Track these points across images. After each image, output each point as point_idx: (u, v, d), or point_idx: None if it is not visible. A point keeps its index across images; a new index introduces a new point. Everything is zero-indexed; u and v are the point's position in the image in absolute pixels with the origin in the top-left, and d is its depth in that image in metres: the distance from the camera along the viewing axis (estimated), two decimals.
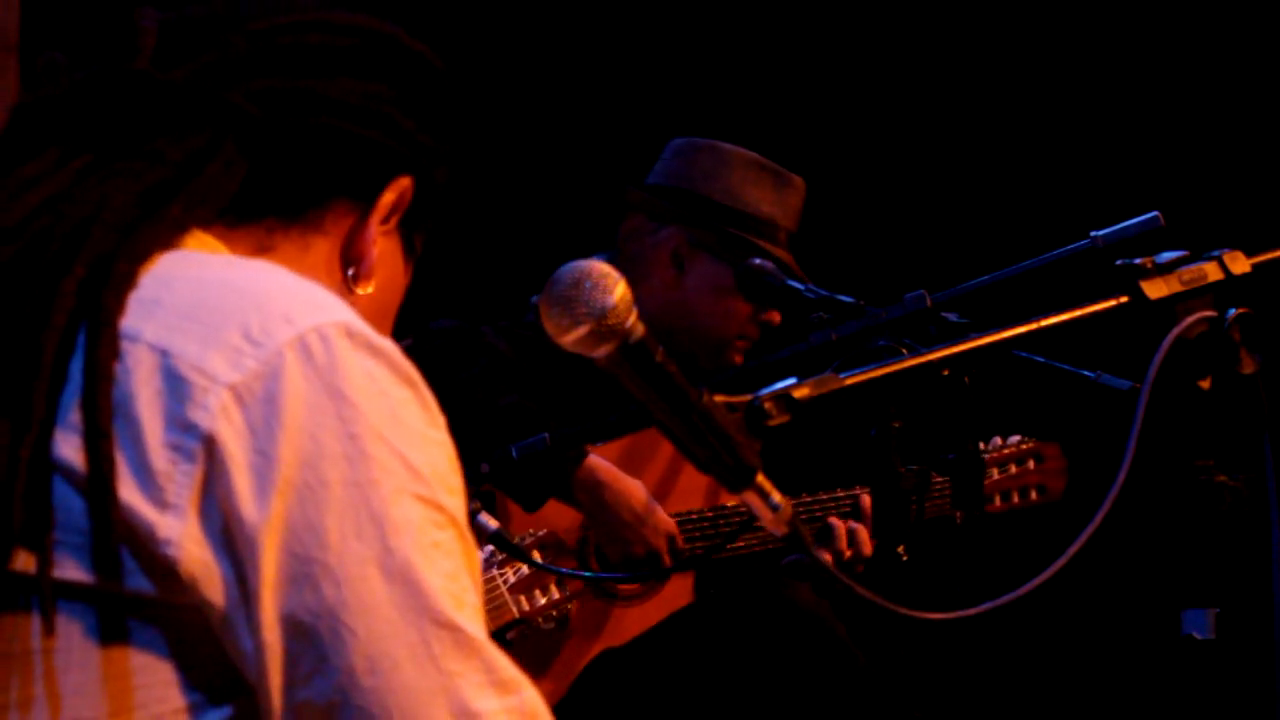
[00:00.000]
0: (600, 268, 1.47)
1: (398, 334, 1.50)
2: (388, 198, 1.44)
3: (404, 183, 1.45)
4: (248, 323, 1.23)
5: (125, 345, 1.23)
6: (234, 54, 1.38)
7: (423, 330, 3.66)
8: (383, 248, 1.45)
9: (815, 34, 5.09)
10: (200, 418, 1.20)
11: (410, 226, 1.49)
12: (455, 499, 1.24)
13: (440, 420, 1.26)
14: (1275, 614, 1.82)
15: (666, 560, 3.69)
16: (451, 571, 1.21)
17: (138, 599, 1.20)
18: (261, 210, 1.39)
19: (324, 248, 1.42)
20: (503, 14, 4.85)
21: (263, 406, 1.20)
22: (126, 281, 1.25)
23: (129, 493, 1.19)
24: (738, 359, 3.87)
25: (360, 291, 1.44)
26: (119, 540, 1.19)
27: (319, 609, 1.19)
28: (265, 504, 1.19)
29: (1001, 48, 5.04)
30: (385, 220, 1.45)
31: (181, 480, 1.20)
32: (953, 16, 5.06)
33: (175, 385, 1.21)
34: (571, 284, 1.46)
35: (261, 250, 1.39)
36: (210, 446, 1.20)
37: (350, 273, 1.44)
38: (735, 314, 3.84)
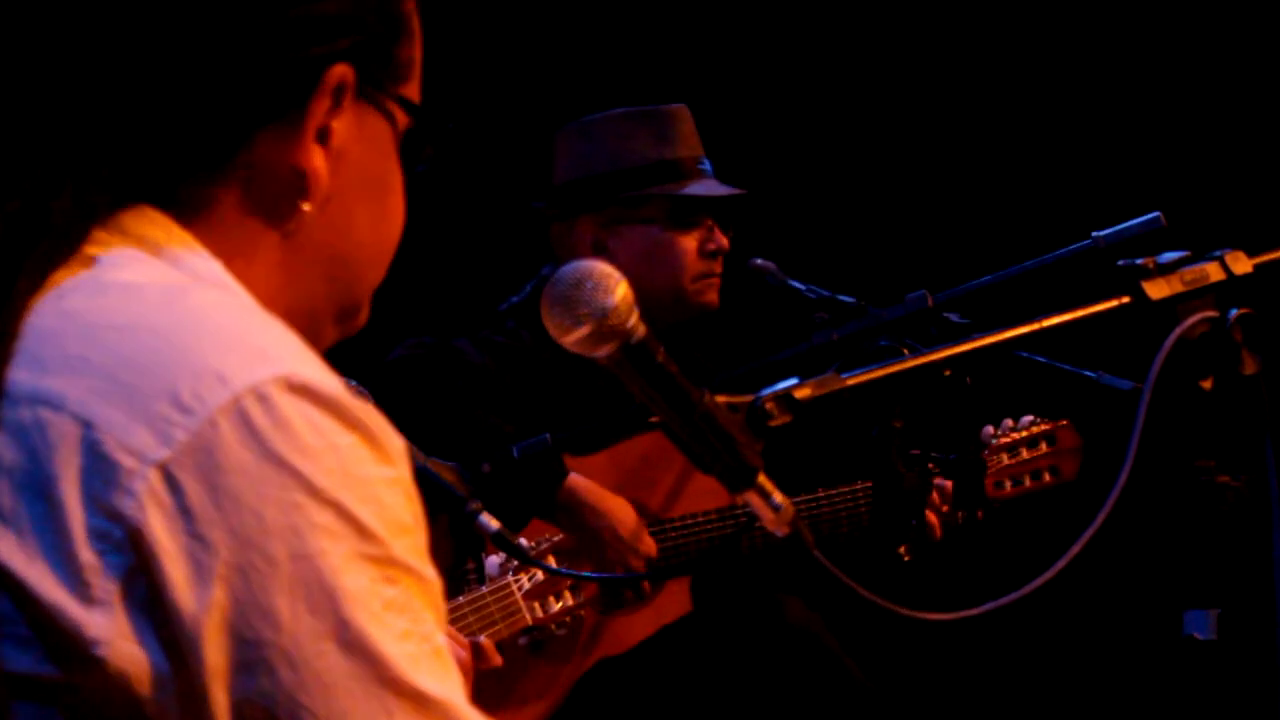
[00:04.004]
0: (601, 268, 1.47)
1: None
2: (321, 104, 1.27)
3: (337, 74, 1.28)
4: (177, 386, 1.13)
5: (47, 414, 1.13)
6: (75, 20, 1.22)
7: (396, 353, 3.64)
8: (344, 134, 1.30)
9: (816, 34, 5.09)
10: (127, 506, 1.11)
11: (375, 90, 1.31)
12: (407, 538, 1.17)
13: (392, 448, 1.18)
14: (1277, 615, 1.82)
15: (646, 584, 3.69)
16: (406, 629, 1.15)
17: (34, 681, 1.12)
18: (174, 186, 1.25)
19: (262, 185, 1.27)
20: (462, 25, 4.85)
21: (197, 485, 1.11)
22: None
23: (51, 588, 1.11)
24: (711, 297, 3.82)
25: (307, 208, 1.28)
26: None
27: (276, 693, 1.12)
28: (205, 592, 1.11)
29: (1001, 48, 5.04)
30: (326, 120, 1.29)
31: (109, 573, 1.11)
32: (953, 16, 5.06)
33: (100, 465, 1.12)
34: (573, 284, 1.46)
35: (197, 222, 1.26)
36: (138, 537, 1.11)
37: (290, 200, 1.28)
38: (680, 263, 3.79)
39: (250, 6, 1.25)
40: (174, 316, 1.18)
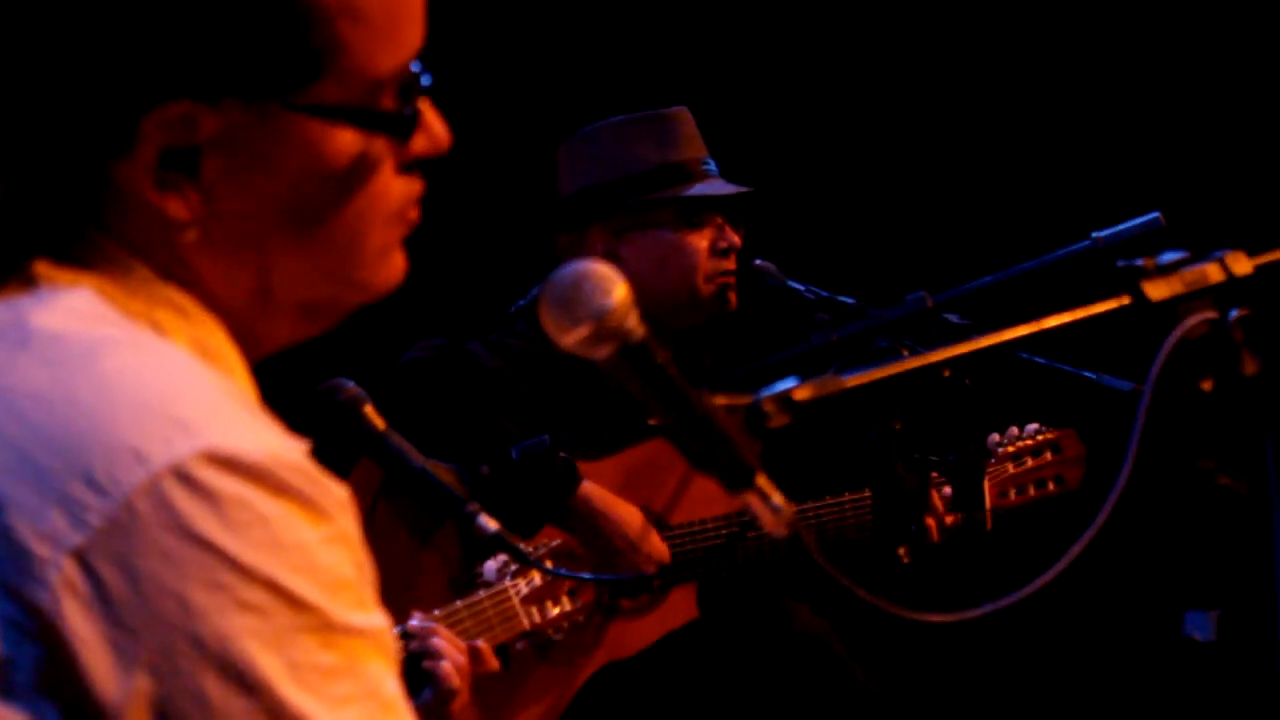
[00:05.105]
0: (600, 269, 1.46)
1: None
2: (154, 137, 1.19)
3: (168, 111, 1.19)
4: (92, 466, 1.09)
5: None
6: None
7: (409, 356, 3.64)
8: (230, 155, 1.21)
9: (816, 34, 5.08)
10: (40, 597, 1.07)
11: (264, 101, 1.20)
12: (348, 594, 1.13)
13: (328, 502, 1.14)
14: (1277, 616, 1.81)
15: (655, 582, 3.69)
16: (347, 694, 1.12)
17: None
18: (57, 230, 1.20)
19: (135, 216, 1.21)
20: (468, 27, 4.84)
21: (115, 572, 1.07)
22: None
23: None
24: (728, 298, 3.82)
25: (187, 238, 1.21)
26: None
27: None
28: (128, 680, 1.07)
29: (1001, 48, 5.04)
30: (177, 143, 1.20)
31: (24, 665, 1.08)
32: (953, 16, 5.06)
33: (12, 552, 1.08)
34: (571, 285, 1.46)
35: (116, 279, 1.21)
36: (53, 628, 1.07)
37: (162, 230, 1.22)
38: (692, 264, 3.79)
39: (73, 43, 1.18)
40: (93, 383, 1.13)
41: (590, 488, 3.60)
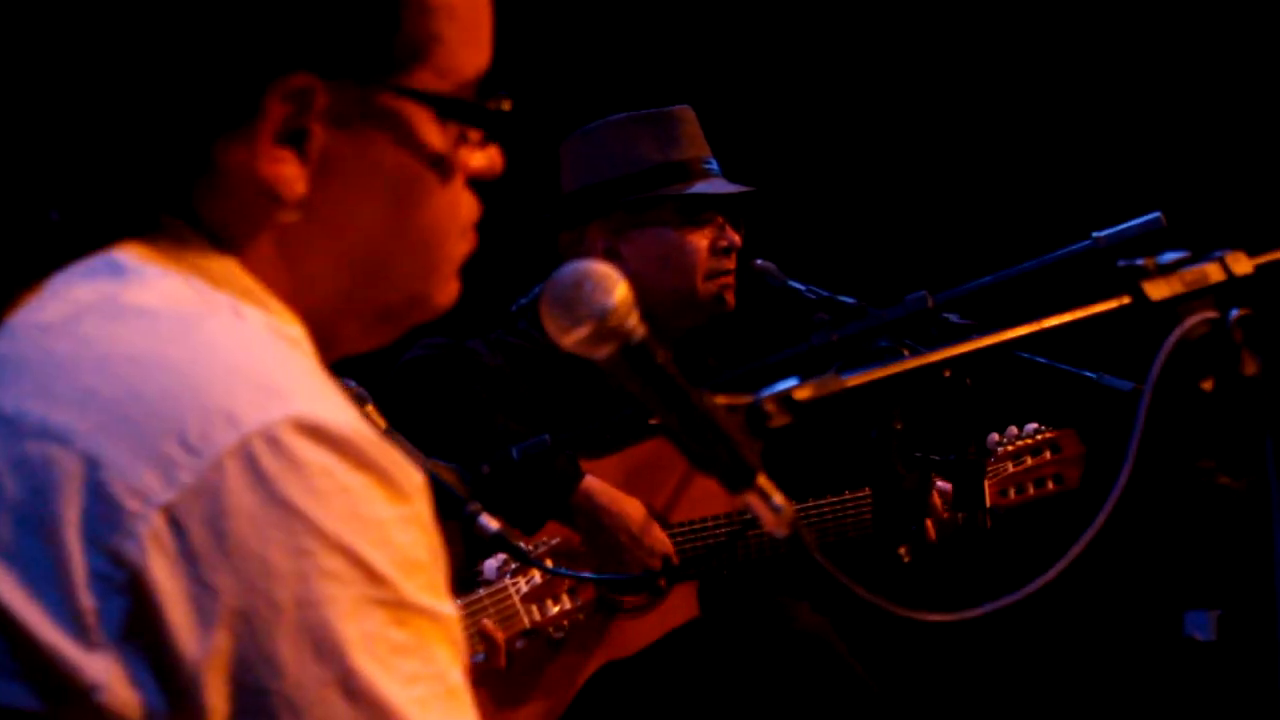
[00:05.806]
0: (601, 268, 1.47)
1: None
2: (275, 110, 1.23)
3: (291, 82, 1.23)
4: (185, 426, 1.12)
5: (54, 450, 1.13)
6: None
7: (410, 354, 3.64)
8: (335, 134, 1.25)
9: (817, 34, 5.09)
10: (129, 549, 1.10)
11: (366, 85, 1.25)
12: (421, 576, 1.15)
13: (408, 484, 1.16)
14: (1277, 616, 1.81)
15: (661, 580, 3.69)
16: (415, 673, 1.13)
17: (16, 714, 1.11)
18: (157, 205, 1.24)
19: (239, 193, 1.24)
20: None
21: (202, 529, 1.10)
22: None
23: (49, 631, 1.10)
24: (727, 298, 3.83)
25: (287, 215, 1.25)
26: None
27: None
28: (208, 638, 1.09)
29: (1001, 48, 5.04)
30: (293, 124, 1.24)
31: (109, 617, 1.10)
32: (953, 16, 5.06)
33: (103, 507, 1.11)
34: (572, 285, 1.46)
35: (200, 269, 1.24)
36: (140, 581, 1.09)
37: (267, 207, 1.25)
38: (692, 262, 3.80)
39: (192, 15, 1.22)
40: (187, 350, 1.16)
41: (593, 482, 3.61)
